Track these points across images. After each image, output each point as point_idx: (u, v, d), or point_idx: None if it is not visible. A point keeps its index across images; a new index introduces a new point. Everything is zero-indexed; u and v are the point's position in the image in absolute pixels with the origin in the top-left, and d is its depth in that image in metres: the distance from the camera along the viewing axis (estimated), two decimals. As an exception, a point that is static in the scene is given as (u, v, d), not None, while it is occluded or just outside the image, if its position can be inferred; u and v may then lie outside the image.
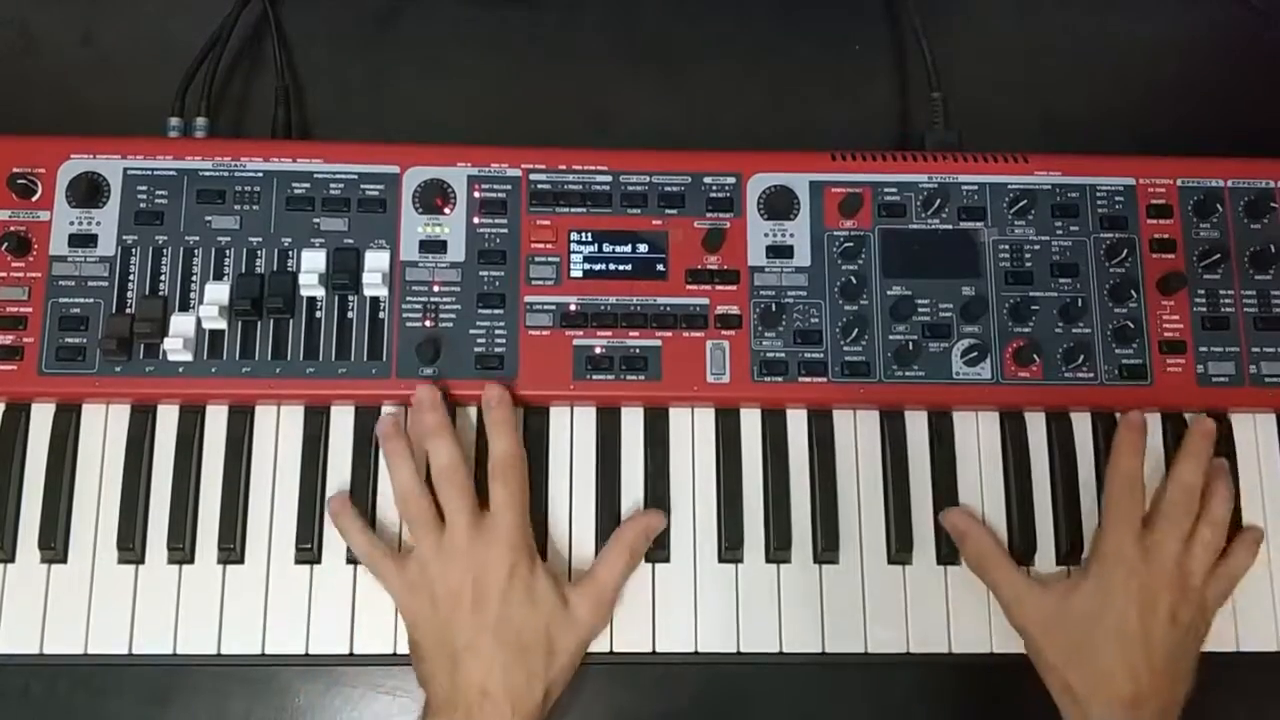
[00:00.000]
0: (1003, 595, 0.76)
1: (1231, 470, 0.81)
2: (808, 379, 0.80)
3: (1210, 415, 0.82)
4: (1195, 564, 0.76)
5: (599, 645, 0.77)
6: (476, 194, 0.82)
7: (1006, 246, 0.83)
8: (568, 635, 0.73)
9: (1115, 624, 0.73)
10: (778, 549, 0.78)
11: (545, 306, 0.80)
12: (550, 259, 0.81)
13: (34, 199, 0.80)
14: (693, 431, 0.81)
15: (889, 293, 0.81)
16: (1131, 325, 0.81)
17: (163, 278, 0.79)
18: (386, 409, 0.79)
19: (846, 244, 0.82)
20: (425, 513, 0.75)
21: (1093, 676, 0.73)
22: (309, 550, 0.77)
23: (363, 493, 0.78)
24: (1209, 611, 0.76)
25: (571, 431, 0.80)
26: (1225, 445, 0.82)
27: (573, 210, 0.82)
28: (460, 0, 0.95)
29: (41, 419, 0.78)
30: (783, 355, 0.80)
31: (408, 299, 0.80)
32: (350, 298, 0.79)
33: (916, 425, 0.82)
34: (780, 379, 0.80)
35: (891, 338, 0.81)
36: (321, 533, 0.78)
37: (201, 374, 0.78)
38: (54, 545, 0.76)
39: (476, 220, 0.81)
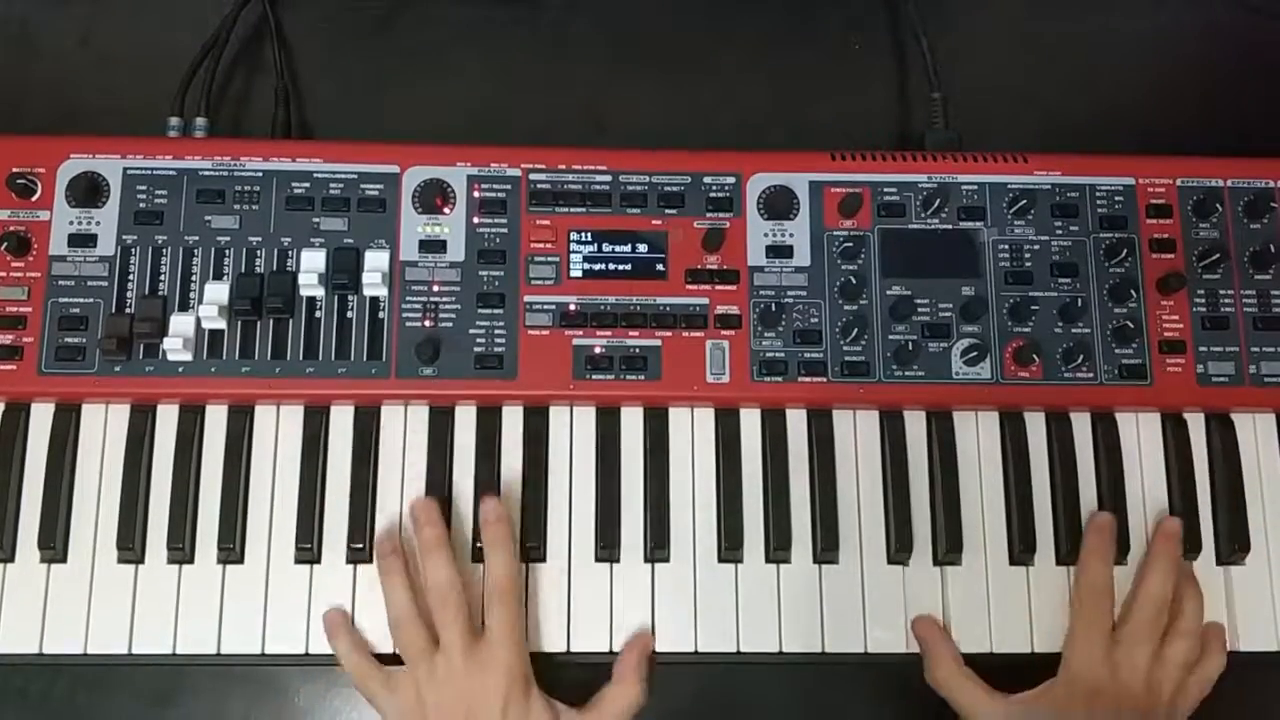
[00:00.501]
0: (962, 706, 0.75)
1: (1231, 470, 0.81)
2: (807, 379, 0.80)
3: (1210, 415, 0.82)
4: (1165, 679, 0.74)
5: (599, 645, 0.77)
6: (476, 194, 0.82)
7: (1006, 246, 0.83)
8: None
9: None
10: (777, 549, 0.78)
11: (545, 306, 0.80)
12: (550, 259, 0.81)
13: (34, 199, 0.80)
14: (693, 431, 0.81)
15: (889, 293, 0.81)
16: (1131, 325, 0.81)
17: (162, 277, 0.79)
18: (387, 531, 0.77)
19: (846, 244, 0.81)
20: (419, 640, 0.73)
21: None
22: (309, 550, 0.77)
23: (363, 493, 0.78)
24: None
25: (571, 431, 0.80)
26: (1225, 445, 0.82)
27: (572, 210, 0.82)
28: (460, 0, 0.95)
29: (41, 419, 0.78)
30: (782, 355, 0.80)
31: (407, 299, 0.80)
32: (350, 297, 0.79)
33: (916, 425, 0.82)
34: (780, 379, 0.80)
35: (891, 338, 0.81)
36: (321, 532, 0.78)
37: (201, 374, 0.78)
38: (54, 545, 0.76)
39: (476, 220, 0.81)
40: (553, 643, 0.77)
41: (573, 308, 0.80)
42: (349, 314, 0.79)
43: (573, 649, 0.77)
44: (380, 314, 0.79)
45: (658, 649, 0.77)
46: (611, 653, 0.77)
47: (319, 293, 0.79)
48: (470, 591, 0.75)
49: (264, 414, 0.80)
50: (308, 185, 0.81)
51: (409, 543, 0.77)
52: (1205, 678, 0.76)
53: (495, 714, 0.71)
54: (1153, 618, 0.76)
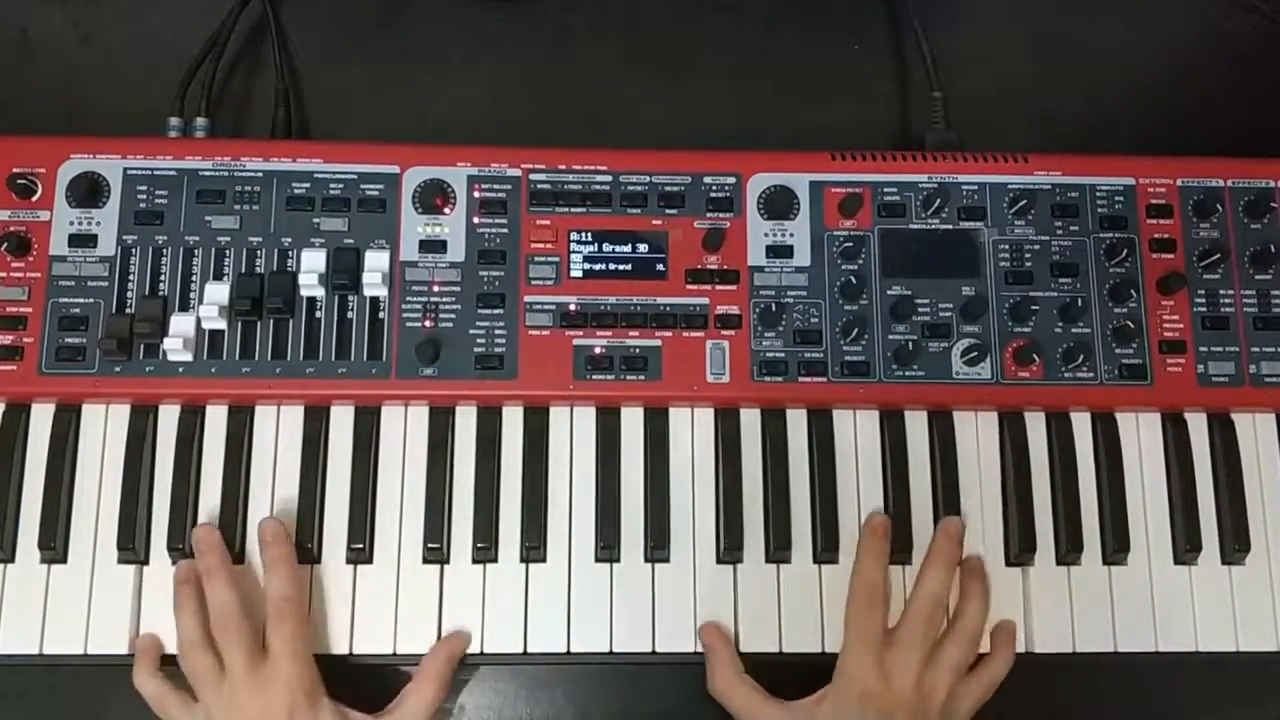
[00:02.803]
0: (741, 711, 0.75)
1: (1232, 470, 0.81)
2: (808, 379, 0.80)
3: (1210, 415, 0.82)
4: (938, 682, 0.73)
5: (598, 645, 0.77)
6: (476, 194, 0.82)
7: (1006, 246, 0.83)
8: None
9: None
10: (778, 549, 0.78)
11: (545, 306, 0.80)
12: (550, 259, 0.81)
13: (34, 199, 0.80)
14: (693, 431, 0.81)
15: (889, 293, 0.81)
16: (1131, 325, 0.81)
17: (163, 278, 0.79)
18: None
19: (846, 244, 0.82)
20: (202, 665, 0.73)
21: None
22: (308, 550, 0.77)
23: (363, 493, 0.78)
24: None
25: (571, 431, 0.80)
26: (1226, 445, 0.82)
27: (572, 210, 0.82)
28: (460, 0, 0.95)
29: (41, 419, 0.78)
30: (783, 355, 0.80)
31: (408, 299, 0.80)
32: (350, 298, 0.79)
33: (916, 425, 0.82)
34: (780, 379, 0.80)
35: (891, 338, 0.81)
36: (321, 532, 0.78)
37: (201, 374, 0.78)
38: (54, 545, 0.76)
39: (476, 220, 0.81)
40: (553, 643, 0.77)
41: (573, 308, 0.80)
42: (349, 314, 0.79)
43: (573, 649, 0.77)
44: (380, 314, 0.79)
45: (658, 649, 0.77)
46: (611, 653, 0.77)
47: (319, 293, 0.79)
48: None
49: (264, 414, 0.80)
50: (308, 185, 0.81)
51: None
52: (988, 679, 0.75)
53: None
54: (926, 619, 0.75)
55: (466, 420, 0.80)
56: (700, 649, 0.77)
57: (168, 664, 0.75)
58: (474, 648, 0.76)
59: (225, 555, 0.75)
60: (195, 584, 0.75)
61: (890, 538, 0.78)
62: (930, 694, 0.73)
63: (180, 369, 0.78)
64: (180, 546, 0.77)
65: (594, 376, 0.79)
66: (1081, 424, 0.82)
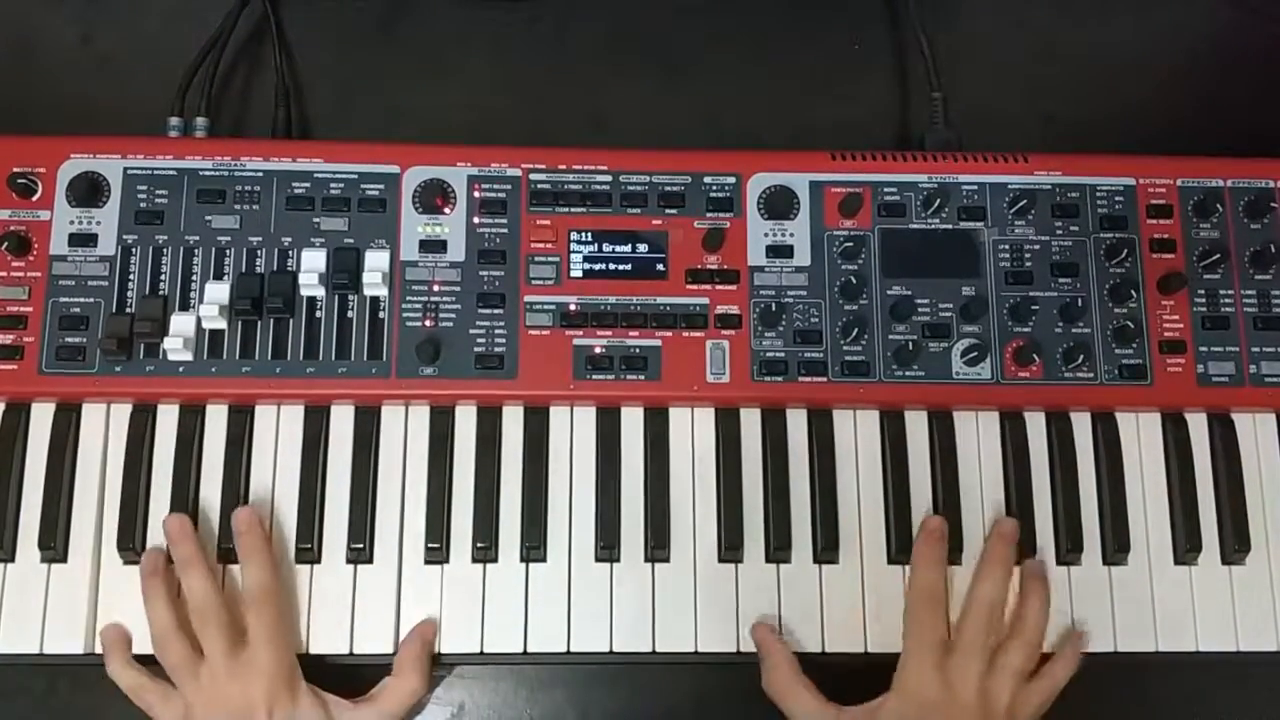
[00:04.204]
0: (794, 713, 0.74)
1: (1232, 470, 0.81)
2: (808, 379, 0.80)
3: (1210, 415, 0.82)
4: (1000, 689, 0.72)
5: (598, 645, 0.77)
6: (476, 194, 0.82)
7: (1006, 246, 0.83)
8: None
9: None
10: (778, 549, 0.78)
11: (545, 306, 0.80)
12: (550, 259, 0.81)
13: (34, 199, 0.80)
14: (693, 431, 0.81)
15: (889, 293, 0.81)
16: (1131, 325, 0.81)
17: (163, 277, 0.79)
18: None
19: (846, 244, 0.82)
20: (179, 655, 0.73)
21: None
22: (309, 550, 0.77)
23: (363, 493, 0.78)
24: None
25: (571, 431, 0.80)
26: (1226, 445, 0.82)
27: (572, 210, 0.82)
28: (460, 0, 0.95)
29: (41, 419, 0.78)
30: (783, 355, 0.80)
31: (408, 299, 0.80)
32: (350, 297, 0.79)
33: (916, 425, 0.82)
34: (780, 379, 0.80)
35: (891, 338, 0.81)
36: (321, 532, 0.78)
37: (201, 374, 0.78)
38: (54, 545, 0.76)
39: (476, 220, 0.81)
40: (553, 643, 0.77)
41: (573, 308, 0.80)
42: (349, 314, 0.79)
43: (573, 649, 0.77)
44: (380, 314, 0.79)
45: (658, 649, 0.77)
46: (611, 653, 0.77)
47: (319, 293, 0.79)
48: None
49: (264, 414, 0.80)
50: (308, 185, 0.81)
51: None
52: (1051, 686, 0.74)
53: (260, 715, 0.71)
54: (984, 624, 0.74)
55: (466, 420, 0.80)
56: (700, 650, 0.77)
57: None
58: (474, 647, 0.77)
59: (199, 545, 0.75)
60: (163, 575, 0.75)
61: (947, 540, 0.77)
62: (993, 703, 0.72)
63: (180, 369, 0.78)
64: (180, 546, 0.77)
65: (594, 376, 0.79)
66: (1081, 424, 0.82)
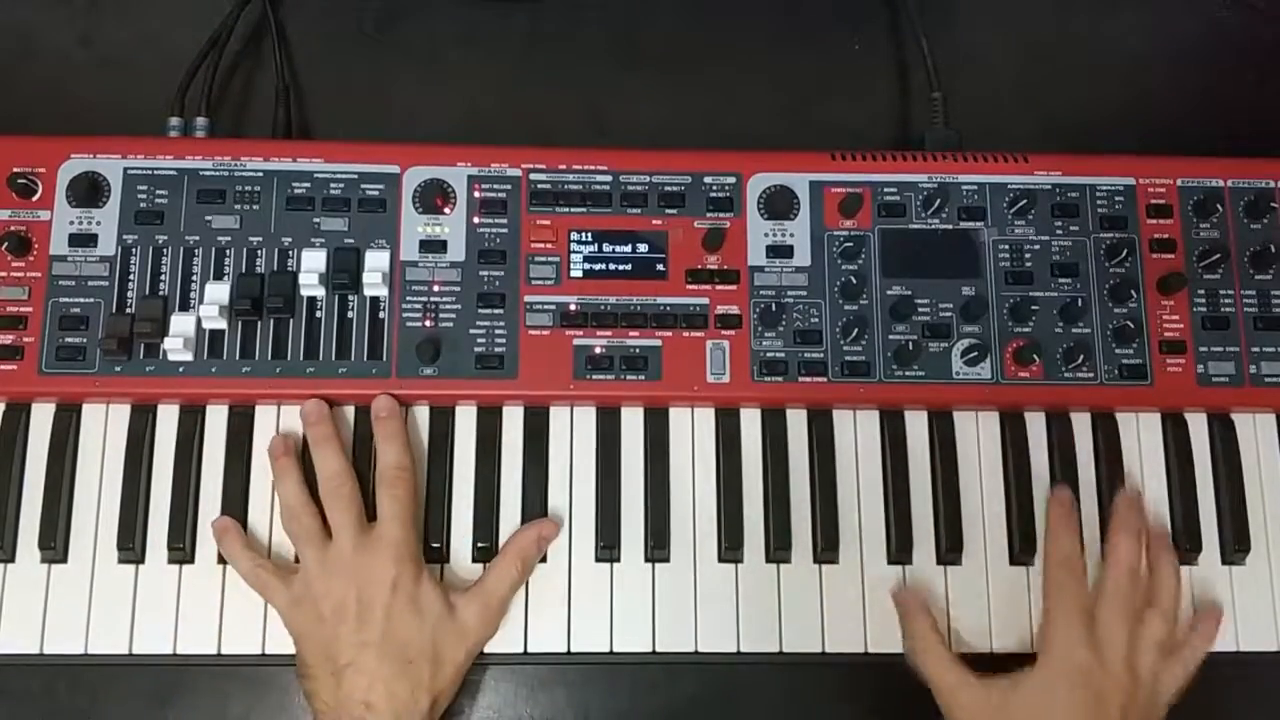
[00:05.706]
0: (940, 686, 0.74)
1: (1232, 470, 0.81)
2: (808, 379, 0.80)
3: (1210, 415, 0.82)
4: (1145, 661, 0.72)
5: (598, 645, 0.77)
6: (476, 194, 0.82)
7: (1006, 246, 0.83)
8: (454, 645, 0.73)
9: None
10: (778, 549, 0.78)
11: (545, 306, 0.80)
12: (550, 259, 0.81)
13: (34, 199, 0.80)
14: (693, 431, 0.81)
15: (889, 293, 0.81)
16: (1131, 325, 0.81)
17: (163, 277, 0.79)
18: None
19: (846, 244, 0.82)
20: (308, 528, 0.74)
21: None
22: (309, 550, 0.77)
23: (361, 495, 0.78)
24: (1160, 705, 0.73)
25: (571, 431, 0.80)
26: (1226, 445, 0.82)
27: (573, 210, 0.82)
28: (460, 0, 0.95)
29: (41, 419, 0.78)
30: (783, 355, 0.80)
31: (408, 299, 0.80)
32: (350, 297, 0.79)
33: (917, 425, 0.82)
34: (780, 379, 0.80)
35: (891, 338, 0.81)
36: (321, 533, 0.78)
37: (201, 374, 0.78)
38: (54, 545, 0.76)
39: (476, 220, 0.81)
40: (553, 643, 0.77)
41: (573, 308, 0.80)
42: (349, 314, 0.79)
43: (573, 649, 0.77)
44: (381, 314, 0.79)
45: (658, 649, 0.77)
46: (611, 653, 0.77)
47: (319, 293, 0.79)
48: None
49: (264, 414, 0.80)
50: (308, 185, 0.81)
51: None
52: (1192, 659, 0.74)
53: (384, 594, 0.72)
54: (1128, 588, 0.74)
55: (466, 420, 0.80)
56: (700, 650, 0.77)
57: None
58: (474, 647, 0.77)
59: (333, 426, 0.77)
60: (294, 455, 0.77)
61: (1078, 509, 0.77)
62: (1141, 674, 0.72)
63: (180, 369, 0.78)
64: (180, 546, 0.77)
65: (594, 376, 0.79)
66: (1081, 424, 0.82)
